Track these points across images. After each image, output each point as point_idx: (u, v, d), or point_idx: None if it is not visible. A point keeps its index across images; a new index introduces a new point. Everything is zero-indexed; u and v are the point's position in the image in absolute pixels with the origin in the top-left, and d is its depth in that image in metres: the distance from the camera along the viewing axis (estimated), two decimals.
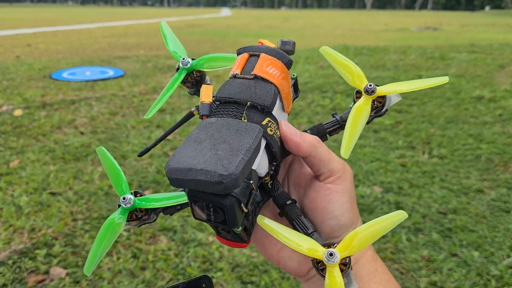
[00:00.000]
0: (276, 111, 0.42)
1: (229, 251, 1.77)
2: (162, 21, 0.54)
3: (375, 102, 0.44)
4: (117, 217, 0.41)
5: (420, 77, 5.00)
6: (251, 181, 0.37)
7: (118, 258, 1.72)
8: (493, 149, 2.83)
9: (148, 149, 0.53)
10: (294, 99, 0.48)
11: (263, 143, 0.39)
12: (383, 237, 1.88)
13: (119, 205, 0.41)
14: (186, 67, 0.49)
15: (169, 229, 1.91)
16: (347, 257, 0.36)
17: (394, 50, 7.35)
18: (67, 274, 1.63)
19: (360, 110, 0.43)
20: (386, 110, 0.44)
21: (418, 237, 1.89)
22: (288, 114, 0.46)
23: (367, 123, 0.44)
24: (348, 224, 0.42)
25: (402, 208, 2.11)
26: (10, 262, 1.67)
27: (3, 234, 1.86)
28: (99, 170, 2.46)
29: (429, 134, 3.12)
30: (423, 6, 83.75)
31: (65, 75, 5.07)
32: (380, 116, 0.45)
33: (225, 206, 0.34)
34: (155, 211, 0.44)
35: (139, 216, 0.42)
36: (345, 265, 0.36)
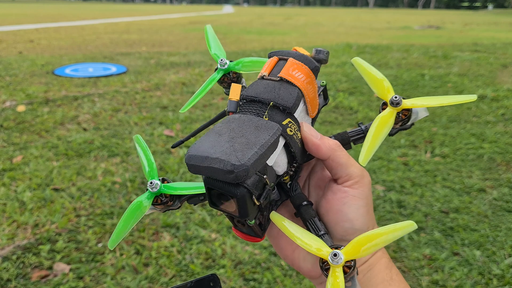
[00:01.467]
0: (299, 114, 0.44)
1: (231, 248, 1.77)
2: (207, 25, 0.55)
3: (400, 115, 0.44)
4: (144, 200, 0.44)
5: (422, 75, 5.00)
6: (264, 176, 0.38)
7: (121, 254, 1.72)
8: (496, 149, 2.83)
9: (181, 142, 0.56)
10: (322, 106, 0.49)
11: (282, 141, 0.41)
12: None
13: (147, 189, 0.44)
14: (224, 68, 0.51)
15: (172, 225, 1.92)
16: (352, 260, 0.37)
17: (397, 48, 7.35)
18: (70, 269, 1.63)
19: (384, 121, 0.44)
20: (412, 124, 0.45)
21: (420, 235, 1.90)
22: (313, 119, 0.47)
23: (391, 135, 0.46)
24: (362, 229, 0.42)
25: (404, 207, 2.12)
26: (14, 257, 1.68)
27: (7, 229, 1.86)
28: (102, 167, 2.47)
29: (431, 133, 3.12)
30: (426, 5, 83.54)
31: (67, 71, 5.08)
32: (406, 129, 0.46)
33: (236, 196, 0.36)
34: (180, 198, 0.46)
35: (164, 201, 0.45)
36: (349, 268, 0.37)
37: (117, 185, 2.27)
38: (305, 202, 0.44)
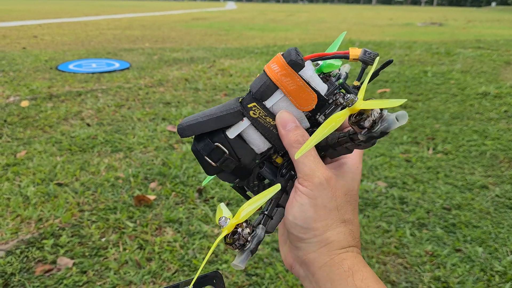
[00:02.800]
0: (276, 103, 0.47)
1: None
2: (343, 32, 0.58)
3: (356, 117, 0.42)
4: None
5: (425, 72, 4.99)
6: (216, 143, 0.46)
7: (125, 249, 1.73)
8: (498, 146, 2.83)
9: None
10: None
11: (246, 122, 0.47)
12: (387, 231, 1.89)
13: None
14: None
15: (175, 221, 1.93)
16: (237, 224, 0.44)
17: (400, 45, 7.33)
18: (74, 264, 1.64)
19: (332, 119, 0.41)
20: (385, 133, 0.41)
21: (422, 232, 1.90)
22: (306, 112, 0.48)
23: (364, 145, 0.44)
24: (306, 226, 0.44)
25: (406, 203, 2.12)
26: (17, 251, 1.69)
27: (11, 224, 1.88)
28: (105, 162, 2.48)
29: (434, 130, 3.12)
30: (429, 1, 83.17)
31: (71, 67, 5.09)
32: (374, 137, 0.42)
33: (193, 152, 0.48)
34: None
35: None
36: (234, 234, 0.44)
37: (120, 180, 2.27)
38: (281, 186, 0.48)
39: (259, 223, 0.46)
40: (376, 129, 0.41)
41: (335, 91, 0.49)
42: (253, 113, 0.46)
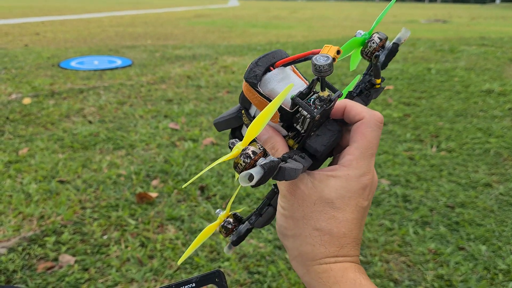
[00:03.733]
0: (256, 112, 0.47)
1: None
2: (357, 75, 0.57)
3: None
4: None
5: (429, 69, 4.97)
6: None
7: (126, 247, 1.73)
8: (502, 143, 2.81)
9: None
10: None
11: (245, 127, 0.50)
12: (390, 229, 1.88)
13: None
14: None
15: (177, 218, 1.92)
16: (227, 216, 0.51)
17: (403, 42, 7.30)
18: (75, 261, 1.64)
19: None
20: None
21: (425, 230, 1.89)
22: (277, 123, 0.47)
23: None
24: (282, 234, 0.47)
25: (409, 201, 2.11)
26: (19, 248, 1.69)
27: (13, 221, 1.87)
28: (107, 159, 2.48)
29: (437, 128, 3.11)
30: None
31: (73, 64, 5.09)
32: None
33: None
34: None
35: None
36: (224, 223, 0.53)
37: (122, 178, 2.27)
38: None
39: (247, 219, 0.51)
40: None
41: (304, 103, 0.43)
42: (244, 119, 0.48)
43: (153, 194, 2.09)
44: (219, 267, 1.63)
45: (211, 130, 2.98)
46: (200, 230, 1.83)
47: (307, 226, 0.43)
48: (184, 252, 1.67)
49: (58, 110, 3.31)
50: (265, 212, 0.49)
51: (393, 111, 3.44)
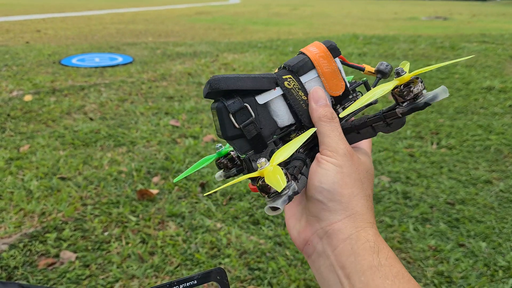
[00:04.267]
0: (309, 80, 0.50)
1: (236, 237, 1.78)
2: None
3: (404, 89, 0.45)
4: (211, 156, 0.58)
5: (429, 66, 4.96)
6: (245, 104, 0.46)
7: (127, 243, 1.74)
8: (503, 140, 2.81)
9: None
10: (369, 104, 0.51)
11: (279, 91, 0.48)
12: (390, 226, 1.88)
13: (216, 151, 0.58)
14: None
15: (178, 215, 1.93)
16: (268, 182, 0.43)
17: (404, 39, 7.29)
18: (76, 257, 1.65)
19: (378, 87, 0.46)
20: (428, 104, 0.44)
21: (425, 227, 1.89)
22: (338, 99, 0.52)
23: (404, 114, 0.46)
24: (333, 190, 0.44)
25: (409, 198, 2.12)
26: (21, 245, 1.70)
27: (14, 217, 1.88)
28: (108, 156, 2.48)
29: (438, 124, 3.11)
30: None
31: (74, 61, 5.09)
32: (418, 108, 0.45)
33: (215, 108, 0.46)
34: (236, 166, 0.57)
35: (225, 163, 0.57)
36: (268, 187, 0.43)
37: (123, 175, 2.27)
38: (298, 157, 0.49)
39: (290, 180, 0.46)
40: (420, 99, 0.44)
41: (355, 88, 0.54)
42: (288, 84, 0.48)
43: (154, 191, 2.10)
44: (220, 263, 1.64)
45: (212, 127, 2.98)
46: (201, 227, 1.84)
47: (363, 189, 0.46)
48: (186, 251, 1.67)
49: (59, 107, 3.31)
50: (301, 179, 0.47)
51: None
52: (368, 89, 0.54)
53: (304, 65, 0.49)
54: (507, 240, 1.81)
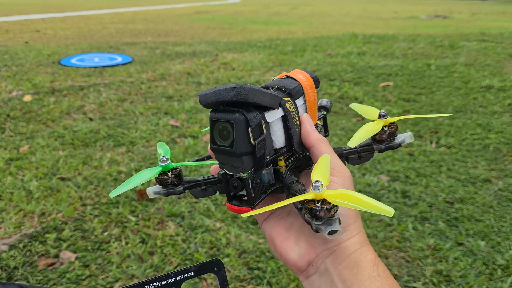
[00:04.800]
0: (300, 106, 0.52)
1: (236, 237, 1.78)
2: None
3: (387, 129, 0.55)
4: (152, 169, 0.53)
5: (429, 65, 4.96)
6: (261, 121, 0.44)
7: (127, 243, 1.74)
8: (502, 139, 2.81)
9: None
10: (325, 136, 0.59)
11: (281, 112, 0.47)
12: (389, 225, 1.89)
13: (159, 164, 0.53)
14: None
15: (177, 215, 1.93)
16: (333, 205, 0.40)
17: (403, 38, 7.29)
18: (76, 258, 1.65)
19: (369, 124, 0.54)
20: (399, 145, 0.55)
21: (424, 226, 1.90)
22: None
23: (381, 151, 0.55)
24: (342, 213, 0.46)
25: (408, 197, 2.12)
26: (20, 245, 1.70)
27: (14, 218, 1.89)
28: (108, 156, 2.48)
29: (437, 123, 3.11)
30: None
31: (73, 61, 5.09)
32: (393, 148, 0.56)
33: (235, 120, 0.42)
34: (184, 184, 0.53)
35: (167, 180, 0.53)
36: (329, 211, 0.40)
37: (123, 175, 2.28)
38: (296, 180, 0.49)
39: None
40: (394, 141, 0.56)
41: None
42: (289, 106, 0.48)
43: None
44: None
45: None
46: (201, 227, 1.84)
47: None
48: (186, 251, 1.67)
49: (59, 107, 3.32)
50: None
51: (392, 107, 3.44)
52: (325, 123, 0.59)
53: (299, 91, 0.51)
54: (505, 238, 1.81)
